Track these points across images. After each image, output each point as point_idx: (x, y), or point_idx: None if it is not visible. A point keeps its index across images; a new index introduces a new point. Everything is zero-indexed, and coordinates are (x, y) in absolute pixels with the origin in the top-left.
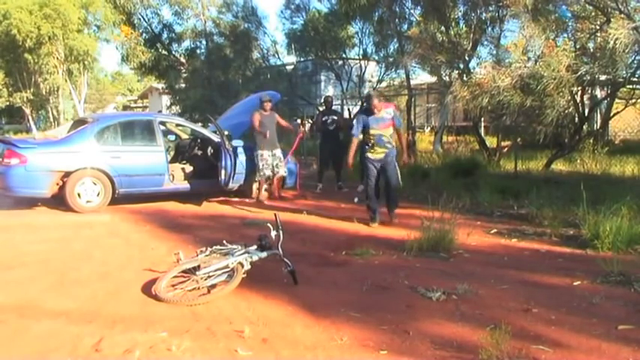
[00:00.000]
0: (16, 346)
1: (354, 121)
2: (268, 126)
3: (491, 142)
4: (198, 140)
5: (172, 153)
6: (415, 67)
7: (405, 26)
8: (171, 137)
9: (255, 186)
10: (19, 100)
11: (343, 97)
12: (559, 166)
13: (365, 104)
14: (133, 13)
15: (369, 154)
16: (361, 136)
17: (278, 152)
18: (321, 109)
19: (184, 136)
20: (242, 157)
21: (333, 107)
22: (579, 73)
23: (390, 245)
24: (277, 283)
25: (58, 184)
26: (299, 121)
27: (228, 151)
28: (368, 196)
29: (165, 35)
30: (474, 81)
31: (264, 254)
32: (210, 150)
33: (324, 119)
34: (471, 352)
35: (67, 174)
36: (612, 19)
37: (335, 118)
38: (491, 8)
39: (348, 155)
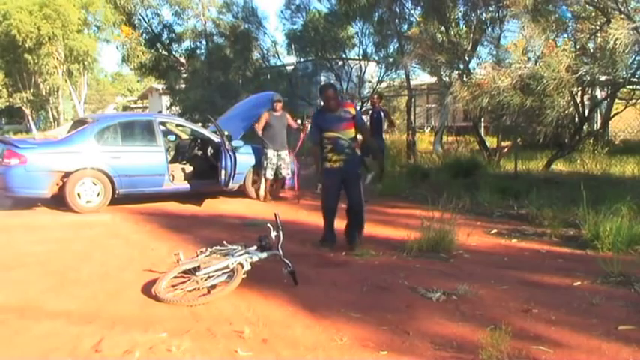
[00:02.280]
0: (16, 346)
1: (310, 127)
2: (276, 126)
3: (491, 142)
4: (198, 141)
5: (172, 153)
6: (415, 67)
7: (405, 27)
8: (172, 138)
9: (255, 186)
10: (19, 100)
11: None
12: (559, 166)
13: (320, 100)
14: (134, 13)
15: (326, 164)
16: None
17: (284, 154)
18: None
19: (184, 136)
20: (244, 158)
21: None
22: (579, 73)
23: (390, 245)
24: (277, 283)
25: (58, 184)
26: (299, 121)
27: (228, 151)
28: (323, 212)
29: (165, 36)
30: (474, 81)
31: (264, 255)
32: (210, 150)
33: None
34: (471, 353)
35: (67, 174)
36: (612, 20)
37: None
38: (491, 9)
39: (316, 162)
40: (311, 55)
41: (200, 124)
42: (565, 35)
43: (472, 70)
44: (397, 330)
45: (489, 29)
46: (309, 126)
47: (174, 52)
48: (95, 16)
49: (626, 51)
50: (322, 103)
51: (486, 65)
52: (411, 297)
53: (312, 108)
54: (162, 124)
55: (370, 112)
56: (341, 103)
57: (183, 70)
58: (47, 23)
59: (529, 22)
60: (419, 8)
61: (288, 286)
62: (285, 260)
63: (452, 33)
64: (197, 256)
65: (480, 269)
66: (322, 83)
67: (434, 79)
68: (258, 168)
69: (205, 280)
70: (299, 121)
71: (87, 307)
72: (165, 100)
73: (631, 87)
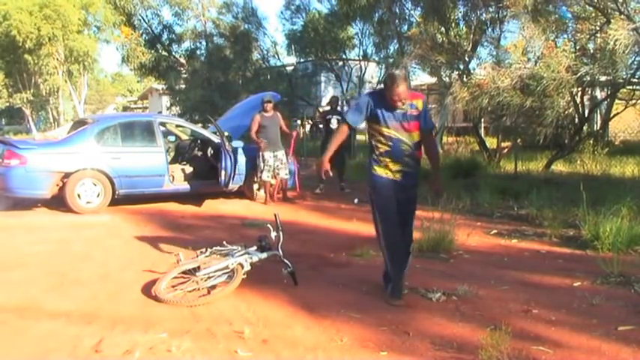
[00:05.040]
0: (16, 347)
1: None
2: (270, 127)
3: (491, 143)
4: (198, 141)
5: (172, 154)
6: (415, 67)
7: (405, 27)
8: (171, 138)
9: (255, 187)
10: (19, 101)
11: (343, 98)
12: (559, 166)
13: (384, 86)
14: (133, 14)
15: (376, 169)
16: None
17: (280, 154)
18: (321, 110)
19: (184, 137)
20: (242, 158)
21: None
22: (579, 74)
23: None
24: (277, 284)
25: (58, 185)
26: (299, 122)
27: (228, 152)
28: (384, 245)
29: (165, 36)
30: (474, 82)
31: (264, 255)
32: (210, 151)
33: (327, 117)
34: (471, 353)
35: (67, 175)
36: (612, 20)
37: (339, 118)
38: (491, 9)
39: (326, 149)
40: (311, 55)
41: (200, 125)
42: (565, 36)
43: (472, 71)
44: (397, 330)
45: (489, 30)
46: (298, 130)
47: (174, 53)
48: (95, 16)
49: (626, 52)
50: (384, 90)
51: (486, 66)
52: (411, 297)
53: (313, 107)
54: (162, 124)
55: None
56: (410, 95)
57: (183, 71)
58: (47, 24)
59: (529, 22)
60: (419, 9)
61: (288, 287)
62: (285, 261)
63: (452, 33)
64: (197, 256)
65: (479, 270)
66: (391, 71)
67: (434, 80)
68: (253, 170)
69: (205, 280)
70: (297, 122)
71: (87, 307)
72: (166, 100)
73: (631, 87)
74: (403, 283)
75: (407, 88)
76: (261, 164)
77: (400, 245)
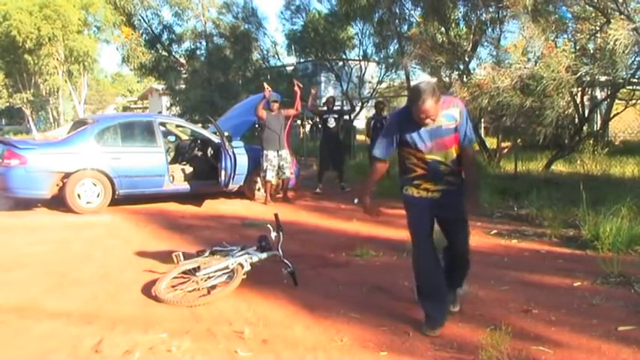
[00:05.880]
0: (16, 347)
1: (380, 133)
2: (275, 126)
3: (491, 143)
4: (198, 141)
5: (172, 154)
6: (415, 68)
7: (405, 27)
8: (171, 138)
9: (255, 187)
10: (19, 101)
11: (344, 99)
12: (559, 167)
13: (408, 102)
14: (133, 14)
15: (409, 190)
16: (393, 156)
17: (284, 153)
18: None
19: (184, 137)
20: (242, 158)
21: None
22: (579, 74)
23: (390, 246)
24: (277, 284)
25: (58, 185)
26: (299, 122)
27: (228, 152)
28: (418, 273)
29: (165, 36)
30: (474, 82)
31: (264, 255)
32: (210, 151)
33: (324, 117)
34: (471, 353)
35: (67, 175)
36: (612, 20)
37: (336, 117)
38: (491, 9)
39: (364, 187)
40: (311, 55)
41: (200, 125)
42: (565, 36)
43: (472, 71)
44: (397, 331)
45: (489, 30)
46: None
47: (174, 53)
48: (95, 16)
49: (626, 52)
50: (409, 107)
51: (486, 66)
52: (411, 298)
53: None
54: (162, 124)
55: (373, 121)
56: (444, 102)
57: (183, 71)
58: (47, 24)
59: (529, 22)
60: (419, 9)
61: (288, 287)
62: (285, 261)
63: (452, 34)
64: (197, 256)
65: (479, 270)
66: (417, 84)
67: (434, 80)
68: (256, 169)
69: (205, 280)
70: (298, 122)
71: (87, 307)
72: (166, 100)
73: (631, 87)
74: (444, 308)
75: (436, 102)
76: (265, 164)
77: (432, 270)
